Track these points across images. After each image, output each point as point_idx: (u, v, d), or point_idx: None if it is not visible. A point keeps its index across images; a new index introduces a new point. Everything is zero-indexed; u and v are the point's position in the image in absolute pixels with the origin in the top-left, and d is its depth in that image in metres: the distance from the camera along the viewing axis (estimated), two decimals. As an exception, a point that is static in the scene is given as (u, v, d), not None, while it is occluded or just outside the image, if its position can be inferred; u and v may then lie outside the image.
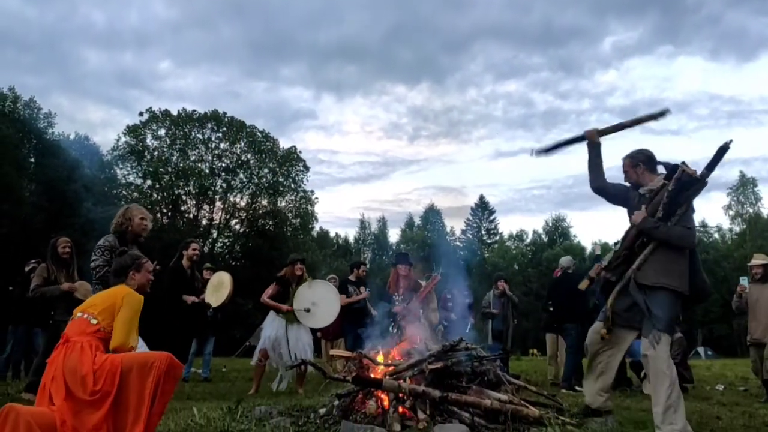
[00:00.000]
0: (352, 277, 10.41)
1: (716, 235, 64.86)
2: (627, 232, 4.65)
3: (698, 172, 4.36)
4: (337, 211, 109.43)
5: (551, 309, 10.05)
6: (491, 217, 69.06)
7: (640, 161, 4.81)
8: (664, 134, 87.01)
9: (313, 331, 11.01)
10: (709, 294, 4.85)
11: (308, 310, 8.12)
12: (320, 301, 8.23)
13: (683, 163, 4.43)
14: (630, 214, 4.81)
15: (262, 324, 8.51)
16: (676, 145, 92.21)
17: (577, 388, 8.63)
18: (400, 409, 4.83)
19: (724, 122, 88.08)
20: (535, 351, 35.47)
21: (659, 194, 4.54)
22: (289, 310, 8.13)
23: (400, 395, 4.88)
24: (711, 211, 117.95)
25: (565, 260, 10.42)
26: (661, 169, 4.79)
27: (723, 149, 4.29)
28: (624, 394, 8.49)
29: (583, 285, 5.00)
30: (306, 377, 8.44)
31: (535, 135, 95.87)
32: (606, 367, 4.90)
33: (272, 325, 8.21)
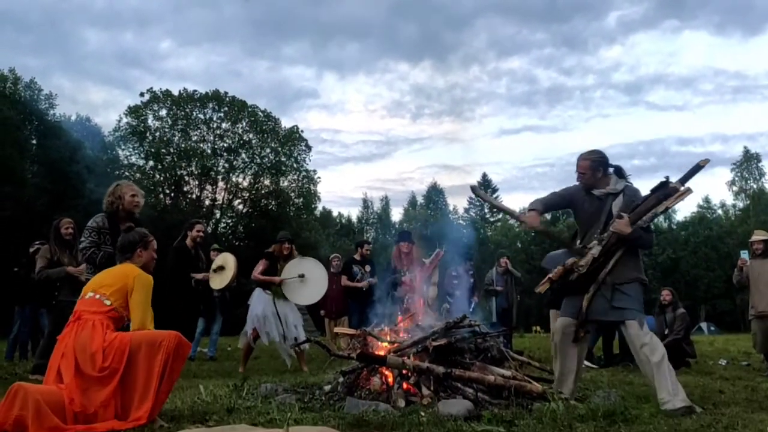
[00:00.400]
0: (356, 256, 10.45)
1: (720, 211, 64.79)
2: (607, 240, 4.63)
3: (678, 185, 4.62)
4: (340, 190, 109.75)
5: None
6: (494, 195, 68.97)
7: (599, 167, 4.87)
8: (669, 110, 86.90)
9: (316, 308, 11.10)
10: None
11: (302, 276, 8.08)
12: (308, 278, 8.24)
13: (668, 179, 4.66)
14: (579, 214, 5.00)
15: (248, 301, 8.48)
16: (681, 121, 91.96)
17: (589, 364, 8.74)
18: (405, 386, 4.88)
19: (729, 97, 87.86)
20: (538, 328, 35.61)
21: (643, 206, 4.63)
22: (282, 281, 8.08)
23: (405, 372, 4.92)
24: (714, 186, 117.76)
25: None
26: (610, 170, 4.92)
27: (699, 167, 4.58)
28: (627, 369, 8.55)
29: (542, 288, 4.99)
30: (305, 354, 8.45)
31: (539, 112, 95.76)
32: (579, 360, 4.94)
33: (260, 301, 8.18)
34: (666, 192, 4.61)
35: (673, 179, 4.69)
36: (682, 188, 4.58)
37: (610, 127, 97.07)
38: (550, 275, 4.83)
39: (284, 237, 8.55)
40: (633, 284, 4.66)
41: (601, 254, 4.65)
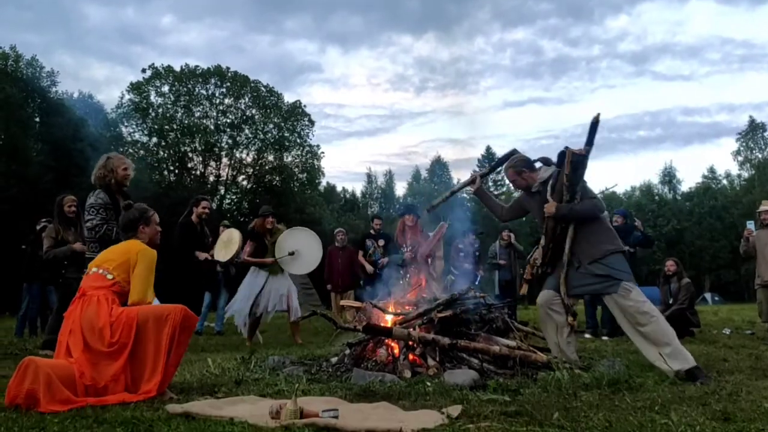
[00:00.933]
0: (371, 231, 10.52)
1: (725, 182, 64.57)
2: (545, 228, 4.89)
3: (583, 149, 4.70)
4: (344, 165, 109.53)
5: None
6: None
7: (523, 168, 5.13)
8: (676, 80, 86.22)
9: (323, 283, 11.15)
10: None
11: (292, 254, 8.08)
12: (302, 248, 8.22)
13: (567, 147, 4.75)
14: (534, 214, 5.21)
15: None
16: (687, 91, 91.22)
17: (604, 337, 8.82)
18: (411, 357, 4.92)
19: (736, 66, 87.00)
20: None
21: (558, 182, 4.80)
22: (274, 261, 8.11)
23: (410, 343, 4.96)
24: (720, 157, 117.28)
25: None
26: (538, 164, 5.16)
27: (594, 123, 4.65)
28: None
29: (523, 291, 5.43)
30: (300, 328, 8.50)
31: (544, 83, 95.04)
32: (559, 330, 4.97)
33: (250, 283, 8.22)
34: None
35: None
36: (568, 152, 4.70)
37: (616, 98, 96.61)
38: (525, 276, 5.28)
39: (267, 211, 8.52)
40: (611, 257, 4.68)
41: (549, 241, 4.87)
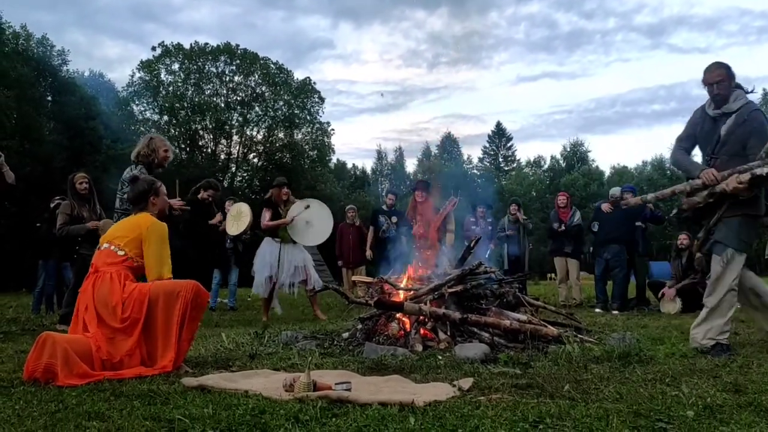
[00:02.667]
0: (384, 206, 10.53)
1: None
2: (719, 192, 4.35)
3: None
4: (355, 142, 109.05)
5: (595, 231, 10.04)
6: (508, 144, 68.46)
7: (732, 74, 4.53)
8: (692, 52, 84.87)
9: (334, 259, 11.20)
10: None
11: (308, 207, 8.11)
12: (314, 219, 8.22)
13: None
14: (698, 137, 4.66)
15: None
16: (704, 64, 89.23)
17: (614, 312, 8.84)
18: (422, 331, 4.96)
19: (753, 38, 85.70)
20: (553, 275, 35.73)
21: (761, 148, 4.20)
22: (291, 220, 8.03)
23: (422, 318, 5.00)
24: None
25: (615, 190, 10.35)
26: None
27: None
28: (642, 312, 8.64)
29: (636, 201, 5.28)
30: (318, 300, 8.52)
31: (558, 58, 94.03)
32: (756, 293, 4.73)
33: (265, 251, 8.19)
34: None
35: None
36: None
37: (630, 72, 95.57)
38: (647, 198, 5.07)
39: (281, 182, 8.48)
40: (739, 218, 4.39)
41: (716, 197, 4.39)
